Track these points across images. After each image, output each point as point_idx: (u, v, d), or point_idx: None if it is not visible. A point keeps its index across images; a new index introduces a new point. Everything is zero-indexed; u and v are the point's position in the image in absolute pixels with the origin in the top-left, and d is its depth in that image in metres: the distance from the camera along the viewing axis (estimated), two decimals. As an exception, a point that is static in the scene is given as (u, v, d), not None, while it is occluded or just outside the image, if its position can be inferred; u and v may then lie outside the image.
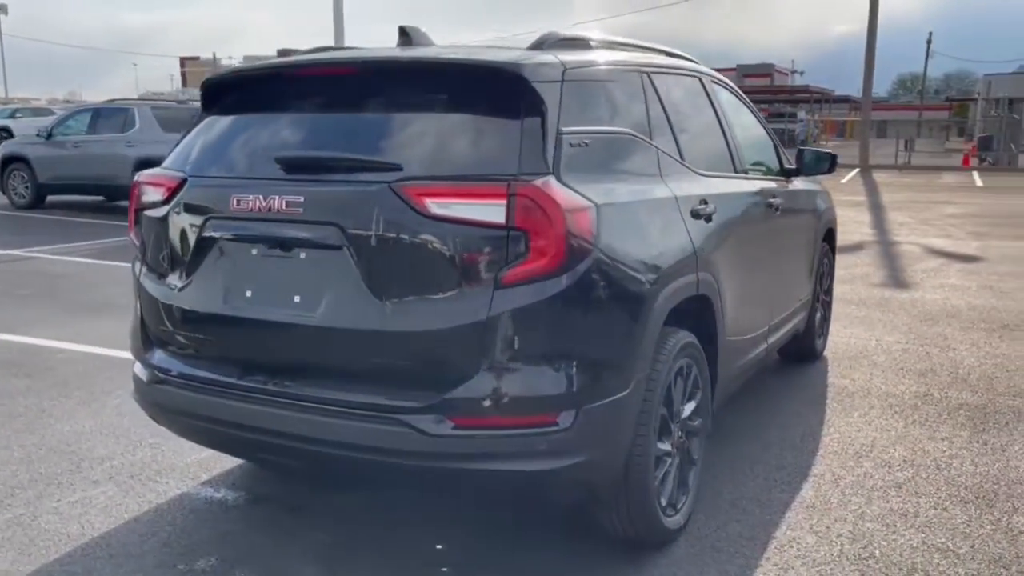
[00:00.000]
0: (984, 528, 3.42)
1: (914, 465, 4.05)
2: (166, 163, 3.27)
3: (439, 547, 3.26)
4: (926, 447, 4.27)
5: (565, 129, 2.76)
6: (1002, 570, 3.10)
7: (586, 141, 2.86)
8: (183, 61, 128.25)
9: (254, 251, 2.89)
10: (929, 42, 62.06)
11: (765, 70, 60.64)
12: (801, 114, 48.11)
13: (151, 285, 3.17)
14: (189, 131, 3.34)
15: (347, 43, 19.70)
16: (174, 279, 3.08)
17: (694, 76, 4.13)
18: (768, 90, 52.62)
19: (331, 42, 16.27)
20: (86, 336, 6.38)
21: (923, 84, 66.83)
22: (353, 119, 2.95)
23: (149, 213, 3.19)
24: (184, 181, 3.05)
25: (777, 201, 4.52)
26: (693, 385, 3.35)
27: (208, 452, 4.11)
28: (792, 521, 3.47)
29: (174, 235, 3.07)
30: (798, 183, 5.13)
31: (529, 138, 2.67)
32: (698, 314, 3.36)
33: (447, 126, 2.81)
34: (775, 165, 4.94)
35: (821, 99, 55.96)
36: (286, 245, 2.82)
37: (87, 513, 3.52)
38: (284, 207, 2.76)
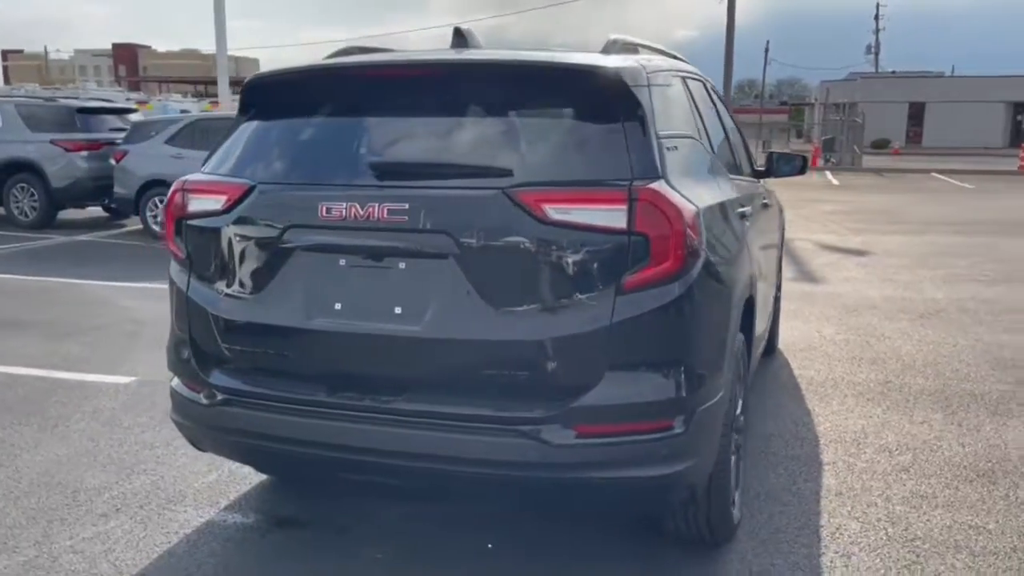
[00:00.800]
0: (998, 504, 3.68)
1: (910, 449, 4.30)
2: (210, 168, 3.04)
3: (490, 546, 3.21)
4: (911, 431, 4.55)
5: (660, 133, 2.77)
6: (1033, 542, 3.35)
7: (675, 145, 2.88)
8: (5, 54, 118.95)
9: (342, 262, 2.72)
10: (767, 50, 65.87)
11: (616, 73, 62.69)
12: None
13: (208, 299, 2.93)
14: (231, 133, 3.11)
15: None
16: (240, 292, 2.87)
17: (700, 80, 4.22)
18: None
19: (190, 37, 15.43)
20: (5, 357, 5.83)
21: (763, 89, 70.83)
22: (444, 123, 2.83)
23: (201, 223, 2.95)
24: (251, 188, 2.84)
25: (767, 200, 4.70)
26: (741, 384, 3.44)
27: (215, 475, 3.86)
28: (830, 509, 3.62)
29: (240, 246, 2.85)
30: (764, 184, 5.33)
31: (635, 142, 2.66)
32: (745, 314, 3.44)
33: (547, 130, 2.76)
34: (748, 166, 5.11)
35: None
36: (384, 255, 2.68)
37: (113, 549, 3.22)
38: (385, 216, 2.62)
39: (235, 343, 2.90)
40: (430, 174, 2.72)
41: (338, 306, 2.72)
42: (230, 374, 2.91)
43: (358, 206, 2.64)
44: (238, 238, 2.86)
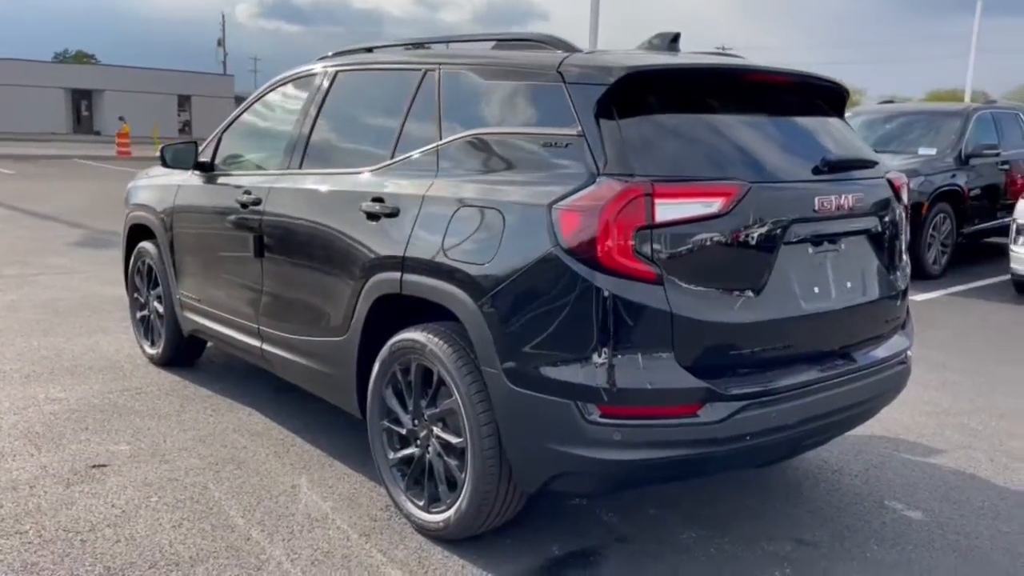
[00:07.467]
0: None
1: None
2: (644, 169, 2.71)
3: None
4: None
5: None
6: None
7: None
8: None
9: (810, 249, 3.01)
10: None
11: None
12: None
13: (710, 310, 2.73)
14: (601, 127, 2.77)
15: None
16: (746, 294, 2.83)
17: None
18: None
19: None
20: None
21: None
22: (813, 123, 3.31)
23: (686, 230, 2.70)
24: (749, 188, 2.79)
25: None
26: None
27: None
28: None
29: (741, 247, 2.81)
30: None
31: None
32: None
33: (836, 130, 3.40)
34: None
35: None
36: (839, 238, 3.11)
37: None
38: (852, 203, 3.10)
39: (744, 347, 2.83)
40: (854, 166, 3.28)
41: (816, 289, 3.00)
42: (739, 381, 2.79)
43: (838, 197, 3.04)
44: (740, 240, 2.80)
